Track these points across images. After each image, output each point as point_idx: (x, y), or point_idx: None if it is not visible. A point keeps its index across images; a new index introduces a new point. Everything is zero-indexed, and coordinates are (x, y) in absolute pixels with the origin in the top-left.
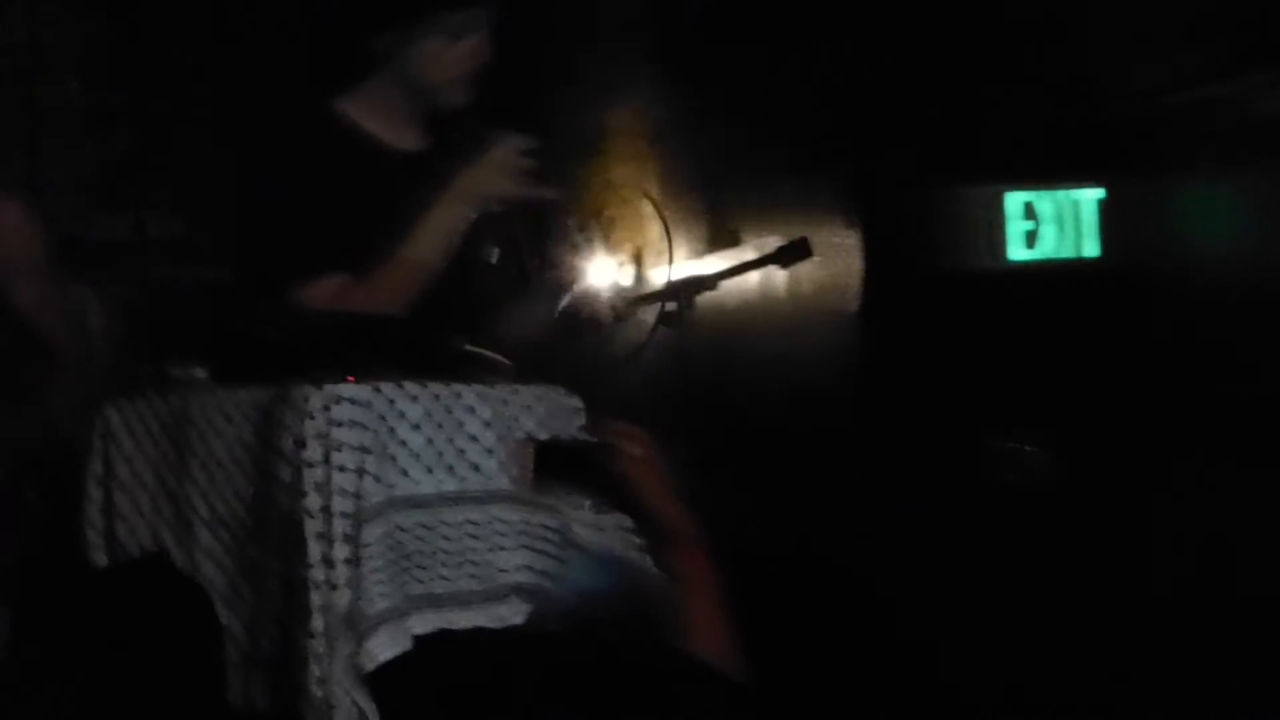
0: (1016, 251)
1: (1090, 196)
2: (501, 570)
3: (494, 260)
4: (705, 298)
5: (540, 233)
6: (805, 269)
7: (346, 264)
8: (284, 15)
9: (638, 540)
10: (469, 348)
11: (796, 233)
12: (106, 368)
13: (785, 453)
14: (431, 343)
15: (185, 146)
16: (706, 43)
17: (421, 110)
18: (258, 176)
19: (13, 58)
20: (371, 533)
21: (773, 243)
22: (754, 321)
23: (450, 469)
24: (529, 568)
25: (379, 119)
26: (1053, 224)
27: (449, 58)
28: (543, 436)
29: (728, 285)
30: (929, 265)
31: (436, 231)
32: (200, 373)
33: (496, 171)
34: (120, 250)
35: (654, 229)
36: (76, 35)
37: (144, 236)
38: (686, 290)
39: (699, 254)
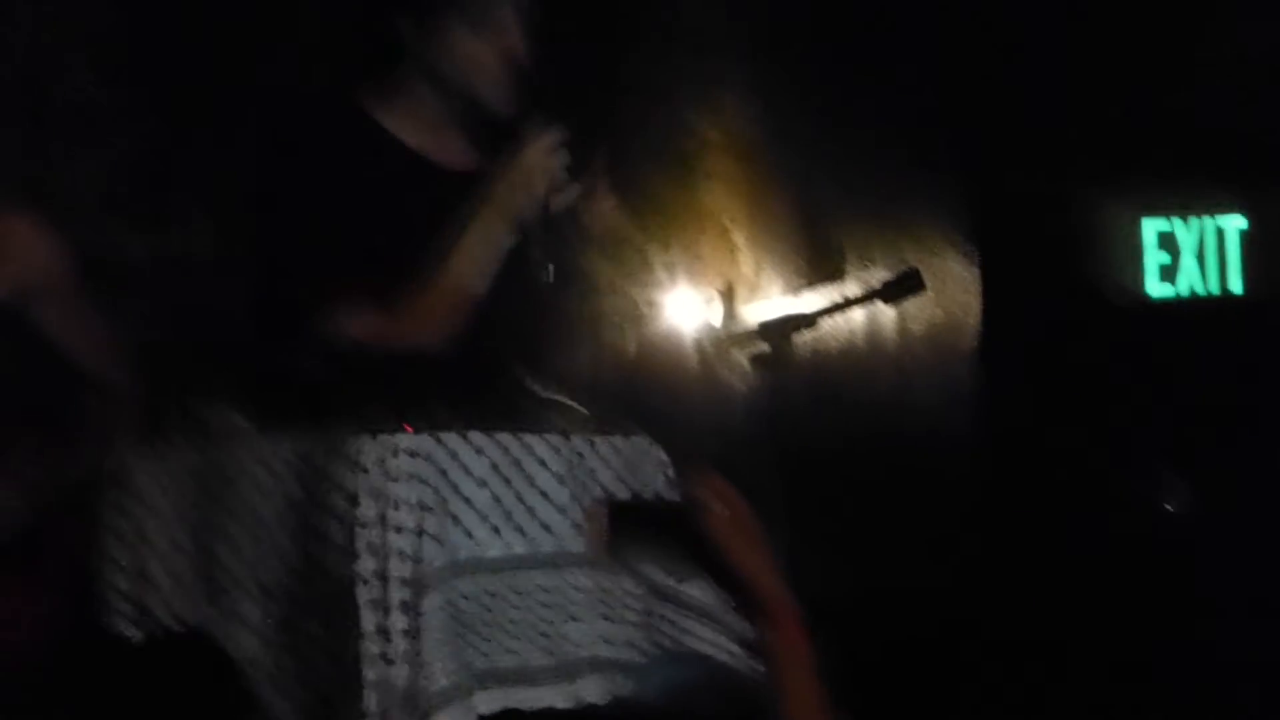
0: (1154, 286)
1: (1234, 225)
2: (576, 643)
3: (549, 278)
4: (804, 337)
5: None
6: (917, 305)
7: (383, 294)
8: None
9: (724, 615)
10: (541, 393)
11: (907, 264)
12: (136, 413)
13: (897, 510)
14: (500, 387)
15: (218, 150)
16: (805, 47)
17: (461, 116)
18: (284, 197)
19: (18, 50)
20: (432, 601)
21: (879, 275)
22: (859, 365)
23: (519, 530)
24: (606, 640)
25: (417, 128)
26: (1193, 256)
27: (474, 50)
28: (622, 493)
29: (829, 323)
30: (1055, 302)
31: (473, 253)
32: (239, 419)
33: (530, 176)
34: (142, 269)
35: (745, 259)
36: (90, 24)
37: (170, 253)
38: (782, 329)
39: (796, 288)
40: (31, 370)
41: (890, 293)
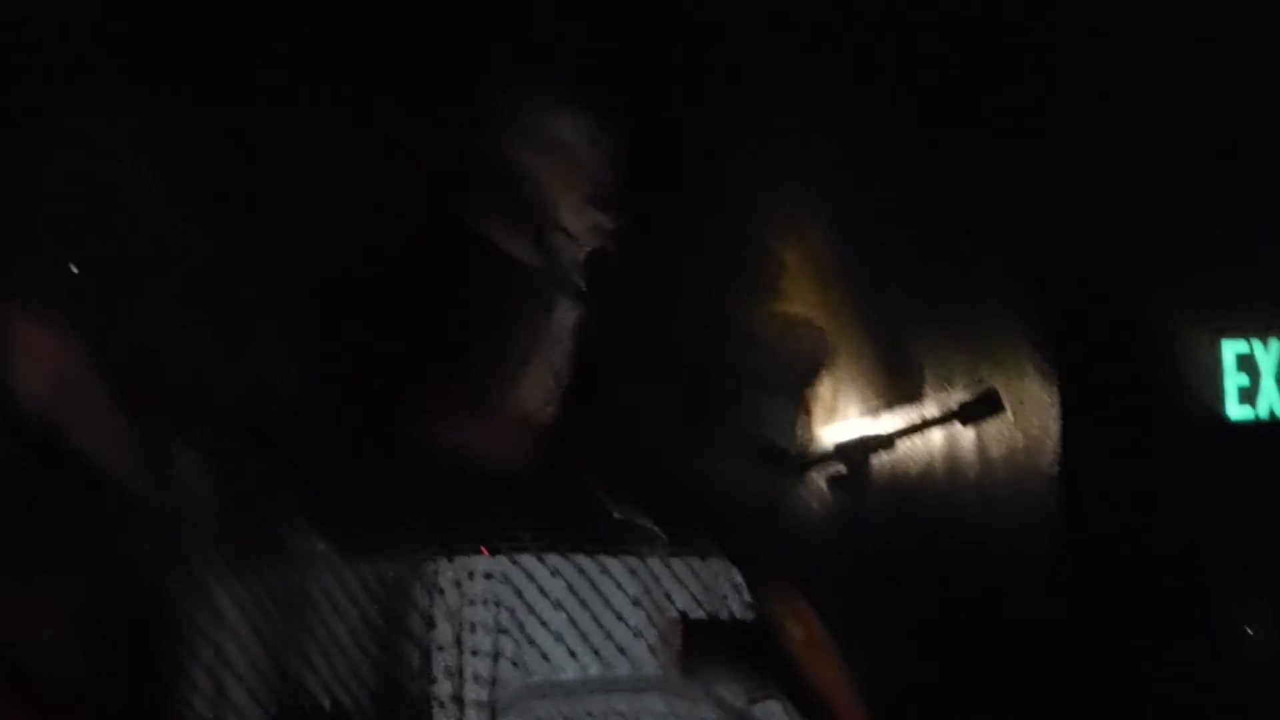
0: (1234, 409)
1: None
2: None
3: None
4: (882, 459)
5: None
6: (995, 426)
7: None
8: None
9: None
10: (617, 515)
11: (985, 385)
12: (209, 533)
13: (978, 632)
14: (577, 508)
15: (303, 272)
16: (882, 167)
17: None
18: (383, 311)
19: (94, 159)
20: None
21: (958, 395)
22: (937, 486)
23: (596, 653)
24: None
25: (515, 238)
26: (1272, 378)
27: (542, 174)
28: (698, 614)
29: (907, 445)
30: (1135, 424)
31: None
32: (319, 541)
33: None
34: (227, 398)
35: (822, 380)
36: (167, 132)
37: (258, 381)
38: (859, 450)
39: (873, 409)
40: (61, 485)
41: (969, 414)
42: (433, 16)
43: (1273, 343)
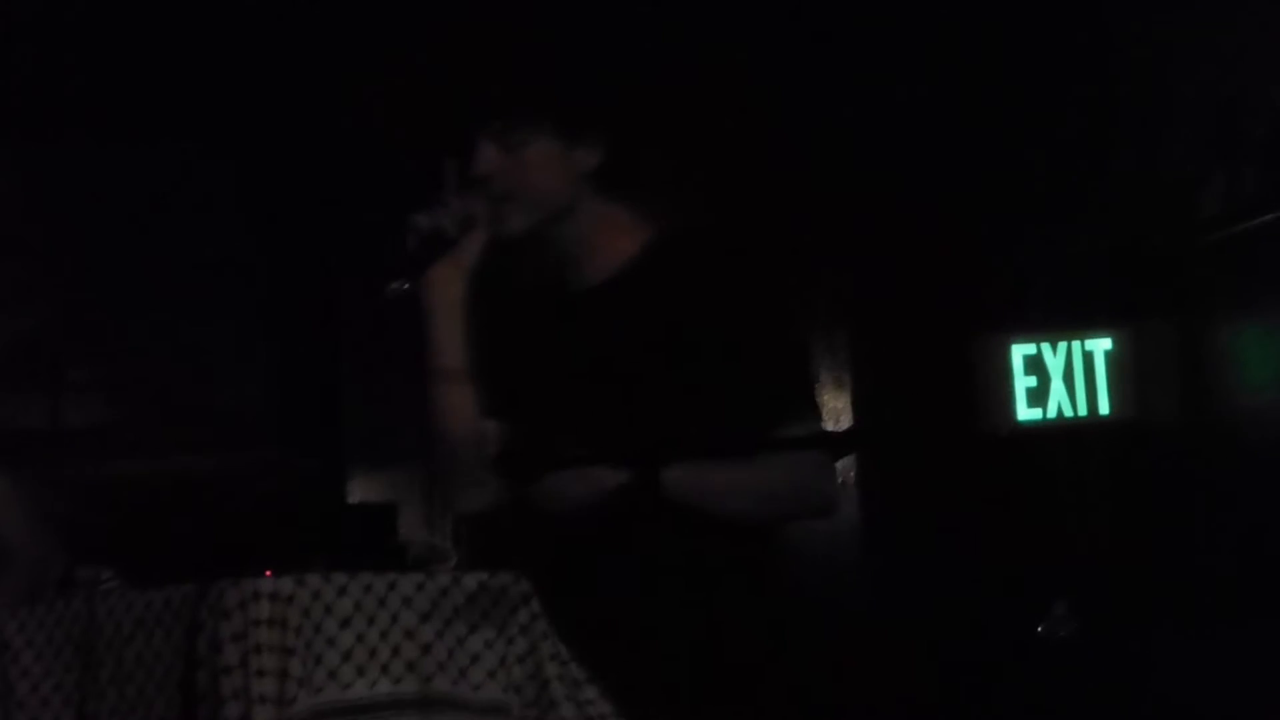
0: (1023, 411)
1: (1101, 347)
2: None
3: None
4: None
5: None
6: None
7: None
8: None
9: None
10: (405, 535)
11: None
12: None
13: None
14: (364, 530)
15: (110, 323)
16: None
17: None
18: None
19: None
20: None
21: None
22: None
23: (384, 669)
24: None
25: None
26: (1060, 379)
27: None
28: (489, 630)
29: None
30: (923, 429)
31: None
32: (108, 574)
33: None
34: (32, 440)
35: None
36: None
37: (59, 425)
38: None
39: None
40: None
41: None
42: None
43: (1060, 345)
